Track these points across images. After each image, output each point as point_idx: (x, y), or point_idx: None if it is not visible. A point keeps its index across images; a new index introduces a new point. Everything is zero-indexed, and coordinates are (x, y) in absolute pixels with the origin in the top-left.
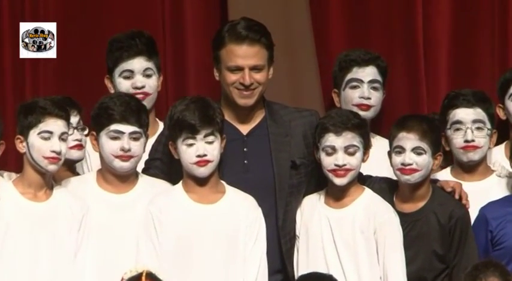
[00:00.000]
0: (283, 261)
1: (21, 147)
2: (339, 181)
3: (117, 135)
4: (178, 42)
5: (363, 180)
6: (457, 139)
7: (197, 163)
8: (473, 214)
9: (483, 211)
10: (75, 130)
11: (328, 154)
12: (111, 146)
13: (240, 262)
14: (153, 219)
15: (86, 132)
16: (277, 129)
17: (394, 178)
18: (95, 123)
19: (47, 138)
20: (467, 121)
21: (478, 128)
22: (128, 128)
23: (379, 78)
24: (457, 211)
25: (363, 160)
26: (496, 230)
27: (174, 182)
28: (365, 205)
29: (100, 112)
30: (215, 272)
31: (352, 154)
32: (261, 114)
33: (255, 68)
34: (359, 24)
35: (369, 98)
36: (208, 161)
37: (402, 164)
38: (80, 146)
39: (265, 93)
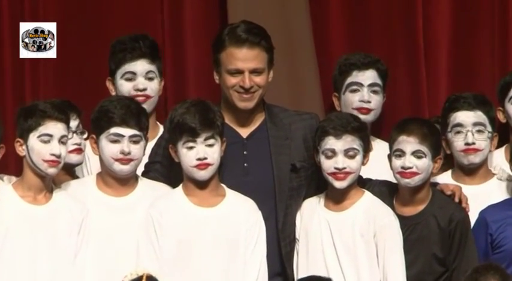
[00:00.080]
0: (283, 264)
1: (20, 150)
2: (339, 184)
3: (117, 139)
4: (178, 44)
5: (362, 183)
6: (458, 142)
7: (197, 166)
8: (474, 217)
9: (483, 214)
10: (75, 134)
11: (328, 157)
12: (111, 149)
13: (240, 265)
14: (154, 222)
15: (85, 136)
16: (277, 132)
17: (394, 181)
18: (95, 126)
19: (47, 142)
20: (468, 124)
21: (479, 131)
22: (127, 132)
23: (379, 81)
24: (457, 214)
25: (363, 163)
26: (496, 234)
27: (173, 185)
28: (365, 208)
29: (100, 115)
30: (215, 276)
31: (352, 157)
32: (260, 117)
33: (255, 71)
34: (359, 26)
35: (369, 102)
36: (208, 164)
37: (402, 167)
38: (79, 150)
39: (265, 96)
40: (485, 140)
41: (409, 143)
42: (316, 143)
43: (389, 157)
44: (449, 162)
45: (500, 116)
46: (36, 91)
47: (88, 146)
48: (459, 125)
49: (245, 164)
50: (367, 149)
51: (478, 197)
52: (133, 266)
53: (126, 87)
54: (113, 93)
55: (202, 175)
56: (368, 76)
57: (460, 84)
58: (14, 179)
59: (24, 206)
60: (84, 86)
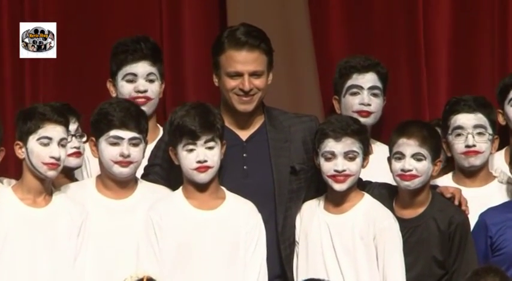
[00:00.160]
0: (283, 267)
1: (20, 153)
2: (339, 187)
3: (116, 141)
4: (177, 46)
5: (362, 186)
6: (458, 144)
7: (197, 169)
8: (475, 219)
9: (483, 216)
10: (74, 137)
11: (328, 160)
12: (110, 152)
13: (240, 267)
14: (154, 225)
15: (84, 139)
16: (276, 134)
17: (394, 183)
18: (94, 129)
19: (46, 144)
20: (468, 126)
21: (479, 134)
22: (127, 134)
23: (379, 84)
24: (456, 216)
25: (363, 166)
26: (495, 236)
27: (173, 188)
28: (365, 210)
29: (99, 118)
30: (215, 278)
31: (351, 160)
32: (260, 120)
33: (254, 74)
34: (358, 28)
35: (369, 105)
36: (208, 167)
37: (402, 170)
38: (78, 154)
39: (264, 98)
40: (485, 143)
41: (409, 145)
42: (315, 146)
43: (389, 159)
44: (450, 165)
45: (500, 119)
46: (36, 91)
47: (88, 149)
48: (460, 127)
49: (245, 167)
50: (367, 151)
51: (479, 200)
52: (133, 269)
53: (126, 89)
54: (114, 95)
55: (202, 177)
56: (368, 79)
57: (460, 85)
58: (13, 182)
59: (24, 208)
60: (84, 86)
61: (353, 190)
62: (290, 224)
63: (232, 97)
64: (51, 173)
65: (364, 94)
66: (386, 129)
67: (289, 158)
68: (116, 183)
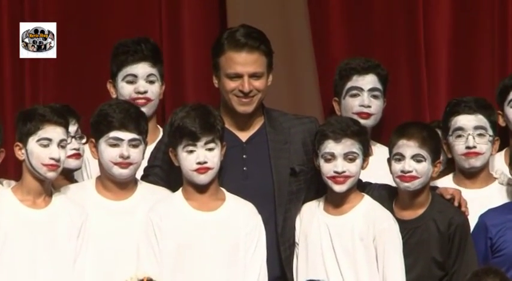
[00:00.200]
0: (283, 268)
1: (20, 154)
2: (338, 188)
3: (116, 143)
4: (176, 47)
5: (362, 187)
6: (459, 146)
7: (197, 170)
8: (475, 221)
9: (483, 218)
10: (73, 139)
11: (328, 161)
12: (110, 153)
13: (240, 269)
14: (153, 226)
15: (83, 140)
16: (276, 136)
17: (394, 185)
18: (94, 130)
19: (46, 146)
20: (469, 128)
21: (480, 135)
22: (127, 135)
23: (379, 86)
24: (456, 218)
25: (362, 167)
26: (495, 237)
27: (173, 189)
28: (364, 212)
29: (99, 119)
30: (215, 279)
31: (351, 161)
32: (260, 121)
33: (254, 75)
34: (358, 29)
35: (369, 106)
36: (208, 169)
37: (402, 171)
38: (78, 155)
39: (264, 100)
40: (486, 144)
41: (408, 147)
42: (315, 147)
43: (389, 160)
44: (451, 166)
45: (500, 120)
46: (36, 91)
47: (87, 150)
48: (460, 128)
49: (244, 168)
50: (366, 153)
51: (479, 201)
52: (133, 270)
53: (127, 90)
54: (114, 96)
55: (202, 179)
56: (368, 81)
57: (460, 86)
58: (13, 183)
59: (24, 210)
60: (84, 86)
61: (353, 191)
62: (290, 226)
63: (232, 98)
64: (51, 175)
65: (364, 96)
66: (386, 130)
67: (289, 160)
68: (116, 184)
